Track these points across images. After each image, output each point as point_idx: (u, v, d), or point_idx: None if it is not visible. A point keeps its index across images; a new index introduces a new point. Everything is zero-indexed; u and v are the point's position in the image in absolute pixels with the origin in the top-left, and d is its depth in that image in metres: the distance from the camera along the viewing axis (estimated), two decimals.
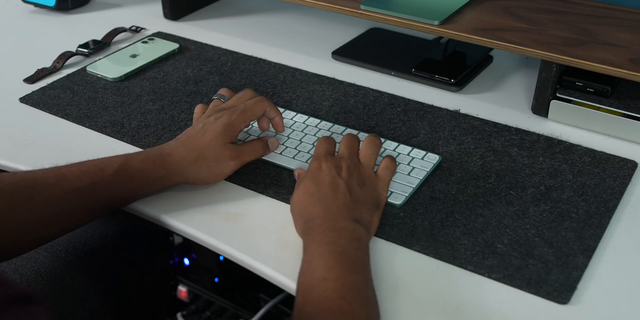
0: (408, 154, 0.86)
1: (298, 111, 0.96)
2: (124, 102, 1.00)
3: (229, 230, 0.77)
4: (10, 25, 1.25)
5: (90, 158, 0.77)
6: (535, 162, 0.85)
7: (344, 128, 0.91)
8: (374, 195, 0.75)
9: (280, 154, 0.87)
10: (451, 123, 0.93)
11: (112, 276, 0.92)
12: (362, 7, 0.99)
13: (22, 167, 0.86)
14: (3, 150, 0.90)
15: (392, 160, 0.80)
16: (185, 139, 0.80)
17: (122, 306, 0.93)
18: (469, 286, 0.69)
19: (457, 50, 1.09)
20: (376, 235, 0.75)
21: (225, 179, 0.83)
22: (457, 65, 1.05)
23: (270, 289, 1.20)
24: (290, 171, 0.85)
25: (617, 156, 0.86)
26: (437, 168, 0.84)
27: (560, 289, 0.68)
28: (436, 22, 0.95)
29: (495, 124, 0.93)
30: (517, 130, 0.91)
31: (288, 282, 0.71)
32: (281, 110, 0.95)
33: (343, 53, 1.11)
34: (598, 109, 0.89)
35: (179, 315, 1.31)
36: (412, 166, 0.84)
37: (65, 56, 1.10)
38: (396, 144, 0.87)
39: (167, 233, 1.21)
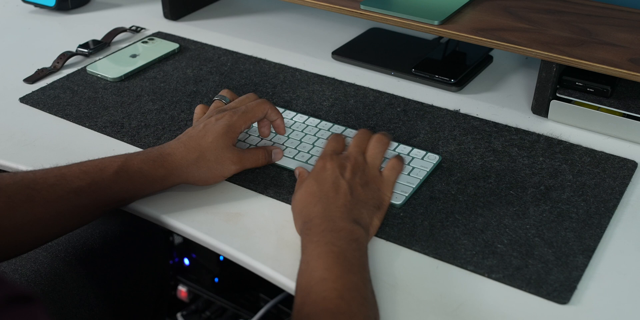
0: (408, 154, 0.86)
1: (298, 111, 0.96)
2: (124, 102, 1.00)
3: (229, 230, 0.77)
4: (10, 25, 1.26)
5: (90, 158, 0.77)
6: (535, 162, 0.85)
7: (343, 128, 0.91)
8: (376, 196, 0.75)
9: None
10: (451, 123, 0.93)
11: (112, 276, 0.92)
12: (362, 7, 0.99)
13: (22, 167, 0.87)
14: (3, 150, 0.91)
15: (400, 160, 0.78)
16: (186, 139, 0.80)
17: (122, 306, 0.93)
18: (469, 286, 0.69)
19: (457, 50, 1.10)
20: (376, 235, 0.75)
21: (226, 179, 0.83)
22: (457, 65, 1.05)
23: (270, 289, 1.20)
24: (290, 171, 0.85)
25: (617, 156, 0.86)
26: (437, 168, 0.84)
27: (560, 289, 0.68)
28: (436, 22, 0.95)
29: (495, 124, 0.93)
30: (517, 130, 0.91)
31: (288, 282, 0.71)
32: (281, 110, 0.95)
33: (343, 53, 1.11)
34: (598, 109, 0.89)
35: (179, 315, 1.31)
36: (412, 166, 0.84)
37: (65, 56, 1.10)
38: (396, 144, 0.87)
39: (167, 233, 1.21)
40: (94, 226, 0.93)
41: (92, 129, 0.94)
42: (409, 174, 0.82)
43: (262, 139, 0.90)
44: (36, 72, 1.07)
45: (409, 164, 0.84)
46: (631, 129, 0.88)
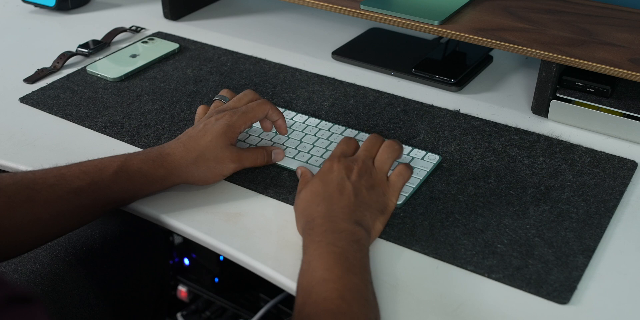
0: (408, 154, 0.86)
1: (298, 111, 0.96)
2: (124, 102, 1.00)
3: (229, 230, 0.77)
4: (10, 25, 1.26)
5: (90, 158, 0.77)
6: (535, 162, 0.85)
7: (344, 128, 0.91)
8: (380, 200, 0.75)
9: None
10: (451, 123, 0.93)
11: (112, 276, 0.92)
12: (362, 7, 0.99)
13: (22, 167, 0.87)
14: (3, 150, 0.91)
15: (408, 167, 0.78)
16: (186, 139, 0.80)
17: (122, 306, 0.93)
18: (469, 286, 0.69)
19: (457, 50, 1.10)
20: None
21: (225, 179, 0.83)
22: (457, 65, 1.05)
23: (270, 289, 1.20)
24: (290, 171, 0.85)
25: (617, 156, 0.86)
26: (437, 168, 0.84)
27: (560, 289, 0.68)
28: (436, 22, 0.95)
29: (495, 124, 0.93)
30: (517, 130, 0.91)
31: (288, 282, 0.71)
32: (281, 110, 0.95)
33: (343, 53, 1.11)
34: (598, 109, 0.89)
35: (179, 315, 1.31)
36: (412, 166, 0.83)
37: (65, 56, 1.10)
38: None
39: (167, 233, 1.21)
40: (94, 226, 0.93)
41: (92, 129, 0.94)
42: None
43: (262, 139, 0.90)
44: (36, 72, 1.07)
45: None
46: (631, 129, 0.88)
